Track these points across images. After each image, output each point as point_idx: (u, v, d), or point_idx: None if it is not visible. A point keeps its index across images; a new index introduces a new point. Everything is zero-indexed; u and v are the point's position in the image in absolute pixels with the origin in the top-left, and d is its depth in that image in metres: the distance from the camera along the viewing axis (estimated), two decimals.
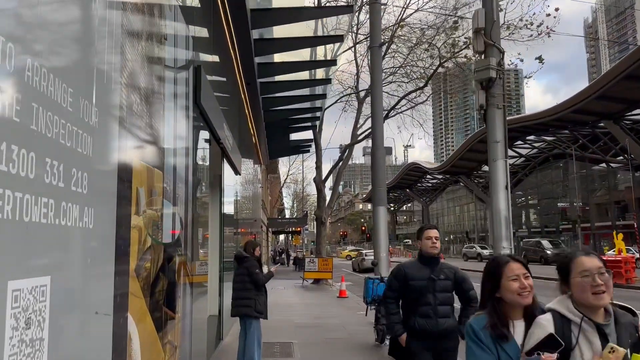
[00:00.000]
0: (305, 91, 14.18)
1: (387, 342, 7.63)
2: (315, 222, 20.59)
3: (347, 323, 10.17)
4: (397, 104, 19.11)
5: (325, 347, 7.77)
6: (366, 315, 8.09)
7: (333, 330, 9.30)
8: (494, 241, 6.64)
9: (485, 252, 43.62)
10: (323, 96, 15.15)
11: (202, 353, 6.17)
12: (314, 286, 19.68)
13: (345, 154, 20.02)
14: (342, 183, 21.64)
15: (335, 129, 25.70)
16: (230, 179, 9.63)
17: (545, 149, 52.69)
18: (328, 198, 20.75)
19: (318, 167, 20.36)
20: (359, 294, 16.80)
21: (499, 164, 6.52)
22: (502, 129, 6.53)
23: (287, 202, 72.67)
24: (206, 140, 6.27)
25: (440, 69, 18.47)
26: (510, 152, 53.66)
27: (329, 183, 21.30)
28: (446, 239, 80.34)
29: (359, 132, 20.29)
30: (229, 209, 10.04)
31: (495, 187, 6.53)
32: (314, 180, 20.31)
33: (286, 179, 53.63)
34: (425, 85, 18.30)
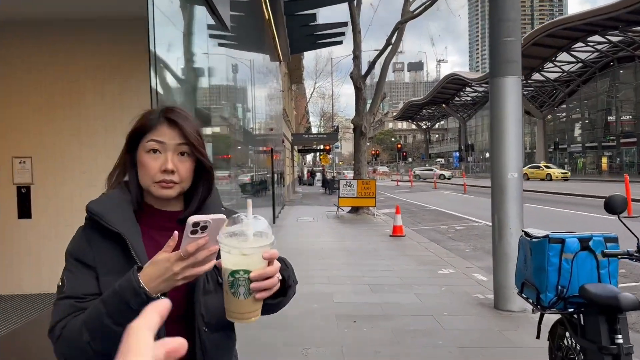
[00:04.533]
0: None
1: None
2: (353, 134, 15.48)
3: (439, 305, 5.41)
4: None
5: None
6: (538, 336, 3.17)
7: (423, 334, 4.52)
8: None
9: None
10: None
11: None
12: (352, 217, 15.02)
13: (394, 37, 14.46)
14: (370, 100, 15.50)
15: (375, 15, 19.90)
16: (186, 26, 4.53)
17: (609, 51, 45.46)
18: (369, 101, 15.47)
19: (356, 58, 14.86)
20: (410, 226, 11.94)
21: None
22: None
23: (314, 121, 67.66)
24: None
25: None
26: (567, 57, 46.94)
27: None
28: (484, 157, 74.47)
29: (412, 8, 14.58)
30: (186, 93, 5.08)
31: None
32: (351, 75, 14.93)
33: (312, 92, 48.12)
34: None
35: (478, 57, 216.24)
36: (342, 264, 7.72)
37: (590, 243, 2.94)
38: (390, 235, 10.69)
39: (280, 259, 1.08)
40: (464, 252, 9.15)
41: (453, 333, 4.41)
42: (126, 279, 0.99)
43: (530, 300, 3.08)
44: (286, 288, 1.13)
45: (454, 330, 4.49)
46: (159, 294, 0.99)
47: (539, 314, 3.08)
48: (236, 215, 0.96)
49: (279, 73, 19.04)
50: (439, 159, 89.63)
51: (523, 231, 3.22)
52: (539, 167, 41.14)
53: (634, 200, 13.09)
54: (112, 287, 1.01)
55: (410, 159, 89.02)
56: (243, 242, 0.93)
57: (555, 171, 39.30)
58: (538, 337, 3.15)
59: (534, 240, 3.03)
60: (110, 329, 0.98)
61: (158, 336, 0.66)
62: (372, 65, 15.24)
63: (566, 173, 39.48)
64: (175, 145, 1.18)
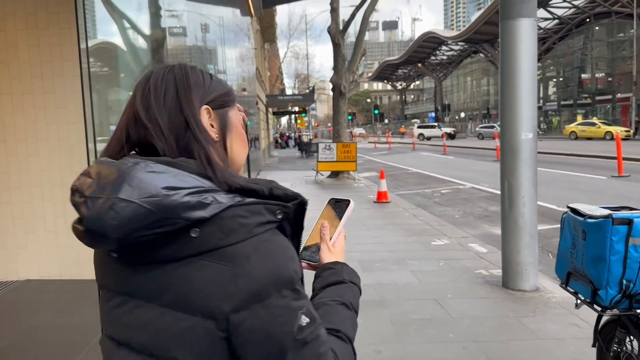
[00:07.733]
0: None
1: None
2: (332, 94, 14.57)
3: (441, 285, 4.77)
4: None
5: None
6: (595, 344, 2.52)
7: (429, 325, 3.87)
8: None
9: None
10: None
11: None
12: (332, 181, 14.33)
13: None
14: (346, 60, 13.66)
15: None
16: None
17: (585, 7, 45.07)
18: (349, 57, 14.54)
19: (334, 10, 13.82)
20: (393, 191, 11.21)
21: None
22: None
23: (288, 82, 66.08)
24: None
25: None
26: (544, 14, 46.40)
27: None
28: (460, 117, 74.24)
29: None
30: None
31: None
32: (329, 30, 13.89)
33: (286, 53, 46.57)
34: None
35: (453, 16, 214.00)
36: None
37: None
38: (375, 202, 10.03)
39: None
40: (454, 218, 8.57)
41: (463, 322, 3.77)
42: None
43: (581, 297, 2.42)
44: None
45: (463, 318, 3.85)
46: None
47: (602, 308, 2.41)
48: None
49: (250, 30, 17.86)
50: (414, 120, 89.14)
51: (569, 207, 2.53)
52: (593, 125, 33.30)
53: (624, 159, 12.66)
54: None
55: (387, 120, 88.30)
56: None
57: (617, 128, 31.03)
58: (594, 345, 2.49)
59: (589, 220, 2.33)
60: None
61: None
62: (351, 18, 14.18)
63: (628, 131, 31.55)
64: None
